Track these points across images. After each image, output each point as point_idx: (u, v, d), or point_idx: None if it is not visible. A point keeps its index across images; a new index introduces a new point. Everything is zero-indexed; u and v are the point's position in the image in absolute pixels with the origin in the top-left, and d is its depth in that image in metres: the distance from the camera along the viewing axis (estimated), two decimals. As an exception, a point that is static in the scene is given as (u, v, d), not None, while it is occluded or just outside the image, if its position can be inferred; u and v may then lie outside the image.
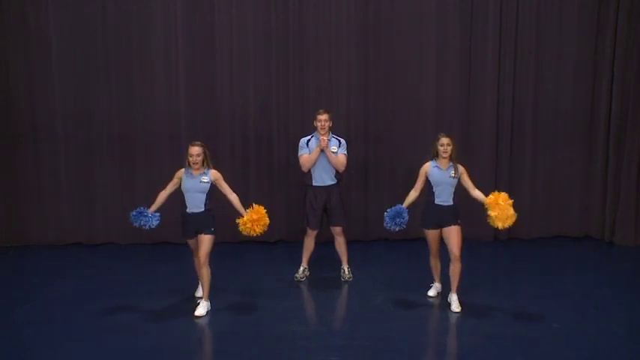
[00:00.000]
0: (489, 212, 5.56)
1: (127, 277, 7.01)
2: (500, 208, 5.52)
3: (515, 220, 5.61)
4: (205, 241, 5.75)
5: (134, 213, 5.75)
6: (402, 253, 7.83)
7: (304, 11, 7.84)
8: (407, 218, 5.79)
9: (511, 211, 5.54)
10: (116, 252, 7.97)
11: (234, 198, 5.81)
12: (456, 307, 5.85)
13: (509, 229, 8.11)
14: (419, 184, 5.90)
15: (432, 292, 6.22)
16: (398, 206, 5.82)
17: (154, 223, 5.75)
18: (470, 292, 5.95)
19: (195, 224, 5.75)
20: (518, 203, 8.06)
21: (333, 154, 6.53)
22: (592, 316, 5.91)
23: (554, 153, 8.13)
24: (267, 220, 5.81)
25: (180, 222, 5.86)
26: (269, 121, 7.97)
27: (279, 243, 8.18)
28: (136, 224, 5.75)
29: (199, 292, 6.07)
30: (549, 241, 8.21)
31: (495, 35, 7.88)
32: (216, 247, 7.47)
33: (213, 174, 5.77)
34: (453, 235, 5.78)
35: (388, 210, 5.83)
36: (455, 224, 5.79)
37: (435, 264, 6.12)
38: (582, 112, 8.05)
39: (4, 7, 7.69)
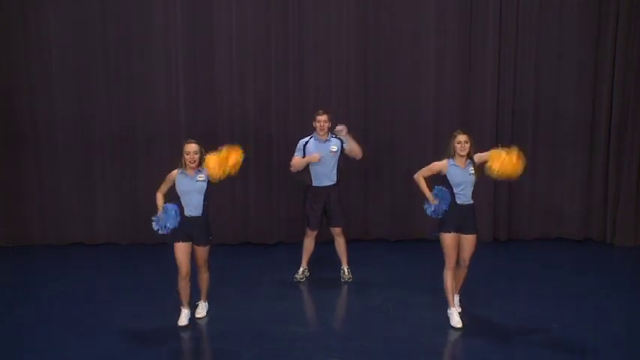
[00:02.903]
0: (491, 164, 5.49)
1: (126, 277, 7.02)
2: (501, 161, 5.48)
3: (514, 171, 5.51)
4: (204, 252, 5.56)
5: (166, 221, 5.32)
6: (402, 254, 7.83)
7: (304, 11, 7.84)
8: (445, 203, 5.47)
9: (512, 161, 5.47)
10: (116, 252, 7.97)
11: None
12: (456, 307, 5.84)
13: (510, 230, 8.22)
14: (424, 174, 5.55)
15: (456, 322, 5.52)
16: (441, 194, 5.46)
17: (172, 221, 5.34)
18: (470, 293, 5.94)
19: (191, 230, 5.44)
20: (519, 204, 8.19)
21: (354, 144, 6.55)
22: (592, 316, 5.91)
23: (554, 154, 8.12)
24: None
25: None
26: (268, 121, 7.97)
27: (278, 244, 8.17)
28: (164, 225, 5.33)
29: (183, 321, 5.62)
30: (549, 242, 8.20)
31: (495, 35, 7.87)
32: (215, 247, 7.48)
33: (206, 174, 5.46)
34: (469, 244, 5.55)
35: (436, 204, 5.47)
36: (475, 232, 5.55)
37: (451, 280, 5.57)
38: (582, 113, 8.03)
39: (4, 7, 7.70)
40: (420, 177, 5.60)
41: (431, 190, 5.53)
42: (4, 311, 5.98)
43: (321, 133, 6.55)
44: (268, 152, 8.02)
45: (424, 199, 5.57)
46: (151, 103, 7.89)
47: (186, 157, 5.42)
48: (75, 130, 7.93)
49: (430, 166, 5.58)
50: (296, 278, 6.82)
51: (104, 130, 7.93)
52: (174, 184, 5.44)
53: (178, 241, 5.47)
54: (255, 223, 8.15)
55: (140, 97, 7.89)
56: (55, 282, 6.85)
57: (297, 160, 6.60)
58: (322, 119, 6.54)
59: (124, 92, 7.88)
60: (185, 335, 5.48)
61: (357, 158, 6.72)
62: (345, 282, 6.77)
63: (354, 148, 6.61)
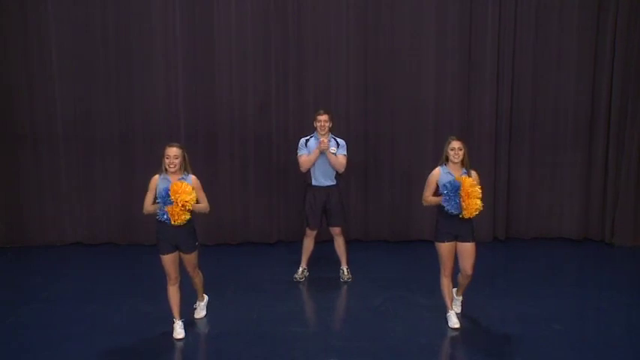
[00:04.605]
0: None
1: (126, 277, 7.02)
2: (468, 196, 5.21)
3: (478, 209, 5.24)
4: (191, 259, 5.40)
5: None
6: (402, 254, 7.83)
7: (303, 11, 7.83)
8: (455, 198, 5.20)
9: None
10: (116, 252, 7.97)
11: (207, 209, 5.34)
12: (456, 307, 5.84)
13: (508, 229, 8.23)
14: (428, 193, 5.42)
15: (454, 323, 5.50)
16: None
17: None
18: (469, 293, 5.93)
19: (175, 239, 5.23)
20: (518, 204, 8.20)
21: (333, 155, 6.52)
22: (592, 316, 5.92)
23: (553, 153, 8.12)
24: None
25: (157, 233, 5.26)
26: (268, 121, 7.97)
27: (278, 243, 8.18)
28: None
29: (179, 333, 5.43)
30: (548, 241, 8.20)
31: (495, 35, 7.87)
32: (215, 247, 7.49)
33: (194, 180, 5.22)
34: (468, 253, 5.42)
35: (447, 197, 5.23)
36: (472, 240, 5.40)
37: (448, 286, 5.53)
38: (582, 113, 8.03)
39: (3, 7, 7.69)
40: (426, 199, 5.47)
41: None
42: (4, 311, 5.98)
43: (322, 132, 6.54)
44: (268, 152, 8.02)
45: (440, 204, 5.37)
46: (151, 104, 7.89)
47: (166, 160, 5.17)
48: (75, 130, 7.92)
49: (427, 183, 5.45)
50: (295, 278, 6.82)
51: (104, 130, 7.92)
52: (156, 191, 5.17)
53: (164, 254, 5.26)
54: (255, 223, 8.15)
55: (140, 97, 7.88)
56: (55, 282, 6.85)
57: (305, 158, 6.54)
58: (323, 119, 6.53)
59: (123, 92, 7.88)
60: (185, 335, 5.46)
61: (339, 171, 6.63)
62: (345, 282, 6.78)
63: (332, 161, 6.53)
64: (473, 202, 5.20)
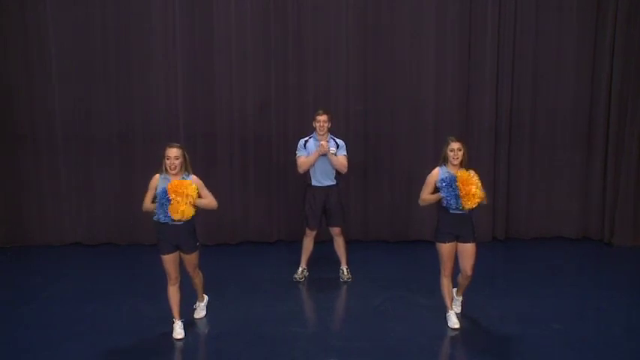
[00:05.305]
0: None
1: (126, 277, 7.02)
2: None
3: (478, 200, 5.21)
4: (192, 259, 5.40)
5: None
6: (402, 254, 7.83)
7: (303, 11, 7.83)
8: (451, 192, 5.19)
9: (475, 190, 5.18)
10: (116, 252, 7.97)
11: (214, 204, 5.32)
12: (456, 307, 5.84)
13: (508, 229, 8.24)
14: (426, 193, 5.40)
15: (454, 323, 5.51)
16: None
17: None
18: (469, 293, 5.93)
19: (176, 239, 5.23)
20: (517, 204, 8.20)
21: (334, 157, 6.50)
22: (592, 316, 5.92)
23: (553, 153, 8.13)
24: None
25: (157, 233, 5.27)
26: (268, 121, 7.97)
27: (277, 243, 8.18)
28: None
29: (178, 333, 5.44)
30: (548, 241, 8.21)
31: (494, 35, 7.87)
32: (215, 247, 7.48)
33: (195, 180, 5.22)
34: (468, 253, 5.41)
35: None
36: (473, 240, 5.40)
37: (447, 286, 5.53)
38: (581, 113, 8.04)
39: (3, 7, 7.69)
40: (423, 199, 5.44)
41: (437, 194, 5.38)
42: (4, 311, 5.98)
43: (321, 133, 6.54)
44: (268, 152, 8.02)
45: (439, 202, 5.36)
46: (151, 104, 7.89)
47: (166, 161, 5.17)
48: (74, 131, 7.91)
49: (425, 183, 5.43)
50: (295, 278, 6.82)
51: (103, 130, 7.92)
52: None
53: (164, 254, 5.26)
54: (254, 223, 8.15)
55: (140, 97, 7.88)
56: (55, 282, 6.85)
57: (303, 160, 6.54)
58: (322, 119, 6.53)
59: (123, 92, 7.87)
60: (185, 335, 5.46)
61: (341, 172, 6.63)
62: (345, 282, 6.78)
63: (334, 162, 6.52)
64: (472, 191, 5.13)
